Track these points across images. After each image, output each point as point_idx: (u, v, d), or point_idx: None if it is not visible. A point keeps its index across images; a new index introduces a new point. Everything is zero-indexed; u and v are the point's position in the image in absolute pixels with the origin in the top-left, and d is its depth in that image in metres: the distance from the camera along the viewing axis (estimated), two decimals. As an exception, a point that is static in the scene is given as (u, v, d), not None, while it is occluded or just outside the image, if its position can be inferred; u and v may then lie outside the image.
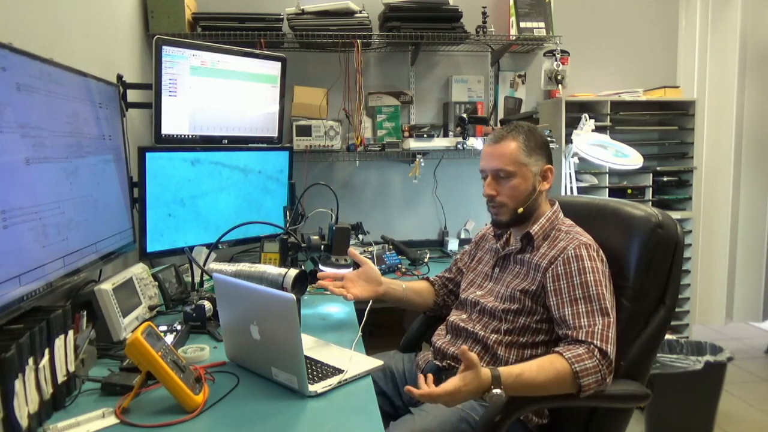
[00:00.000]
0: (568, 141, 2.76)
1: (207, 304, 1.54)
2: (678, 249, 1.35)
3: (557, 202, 1.53)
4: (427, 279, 1.78)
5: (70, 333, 1.15)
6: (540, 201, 1.46)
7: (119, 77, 1.92)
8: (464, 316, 1.51)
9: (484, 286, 1.54)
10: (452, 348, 1.45)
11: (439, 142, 2.81)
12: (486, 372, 1.14)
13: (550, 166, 1.47)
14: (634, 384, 1.30)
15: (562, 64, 2.94)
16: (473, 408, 1.30)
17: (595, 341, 1.22)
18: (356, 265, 1.70)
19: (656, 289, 1.34)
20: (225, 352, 1.34)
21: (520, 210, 1.43)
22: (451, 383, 1.11)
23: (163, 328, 1.44)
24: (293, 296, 1.10)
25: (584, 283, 1.30)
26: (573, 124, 2.82)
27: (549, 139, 2.78)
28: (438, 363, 1.46)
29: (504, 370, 1.16)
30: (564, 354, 1.20)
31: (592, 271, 1.31)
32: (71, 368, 1.14)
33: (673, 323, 3.14)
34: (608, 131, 2.94)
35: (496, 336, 1.39)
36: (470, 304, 1.52)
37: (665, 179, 3.14)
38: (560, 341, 1.30)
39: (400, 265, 2.45)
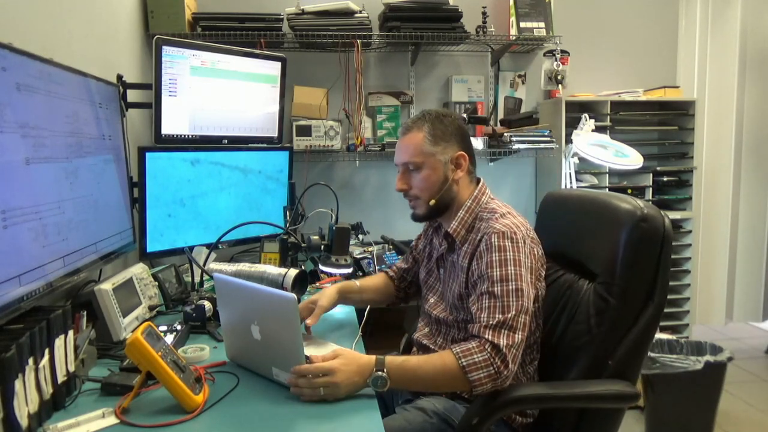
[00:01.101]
0: (568, 141, 2.76)
1: (207, 304, 1.54)
2: (666, 244, 1.27)
3: (481, 181, 1.44)
4: (386, 272, 1.71)
5: (70, 333, 1.14)
6: (456, 190, 1.40)
7: (119, 77, 1.92)
8: (426, 331, 1.49)
9: (436, 288, 1.50)
10: None
11: (439, 142, 2.80)
12: (370, 356, 1.16)
13: (462, 152, 1.39)
14: (622, 383, 1.26)
15: (562, 64, 2.94)
16: (455, 409, 1.30)
17: (486, 335, 1.17)
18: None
19: (643, 285, 1.28)
20: (225, 352, 1.34)
21: (433, 202, 1.38)
22: (326, 362, 1.12)
23: (163, 328, 1.44)
24: (294, 296, 1.10)
25: (489, 277, 1.24)
26: (573, 124, 2.82)
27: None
28: None
29: (390, 356, 1.16)
30: (453, 349, 1.17)
31: (499, 265, 1.24)
32: (71, 368, 1.14)
33: (673, 323, 3.16)
34: (608, 131, 2.94)
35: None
36: (426, 314, 1.50)
37: (665, 179, 3.14)
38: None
39: (400, 265, 2.44)
